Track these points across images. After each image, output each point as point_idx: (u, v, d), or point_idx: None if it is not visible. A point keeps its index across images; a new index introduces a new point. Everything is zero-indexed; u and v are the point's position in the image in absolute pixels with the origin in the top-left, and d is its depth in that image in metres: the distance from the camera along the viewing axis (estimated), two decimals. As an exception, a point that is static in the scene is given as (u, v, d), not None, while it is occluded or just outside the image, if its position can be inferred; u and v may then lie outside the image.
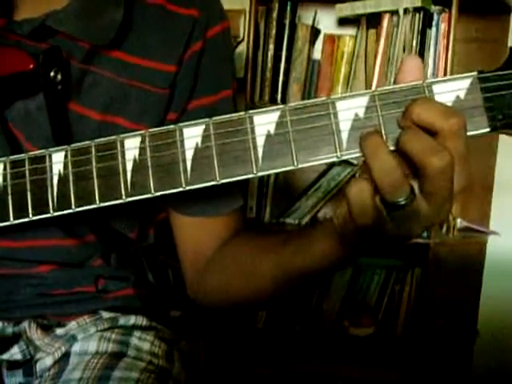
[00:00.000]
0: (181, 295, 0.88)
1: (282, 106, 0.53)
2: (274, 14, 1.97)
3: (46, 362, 0.77)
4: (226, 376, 1.94)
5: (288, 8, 1.97)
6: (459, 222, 2.11)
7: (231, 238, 0.80)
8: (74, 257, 0.78)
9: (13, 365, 0.78)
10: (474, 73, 0.51)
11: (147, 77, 0.74)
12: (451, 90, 0.51)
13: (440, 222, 0.52)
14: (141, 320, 0.81)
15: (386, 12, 1.93)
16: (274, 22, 1.97)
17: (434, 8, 1.92)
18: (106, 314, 0.80)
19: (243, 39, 2.00)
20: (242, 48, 2.00)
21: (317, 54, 2.09)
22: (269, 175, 2.07)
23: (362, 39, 1.99)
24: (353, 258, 0.61)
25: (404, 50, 1.93)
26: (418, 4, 1.88)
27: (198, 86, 0.76)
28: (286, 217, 2.08)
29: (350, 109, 0.52)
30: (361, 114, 0.51)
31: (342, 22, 2.09)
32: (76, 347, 0.77)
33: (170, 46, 0.75)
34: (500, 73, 0.50)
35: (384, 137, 0.51)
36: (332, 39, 2.05)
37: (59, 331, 0.79)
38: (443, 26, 1.92)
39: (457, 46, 1.91)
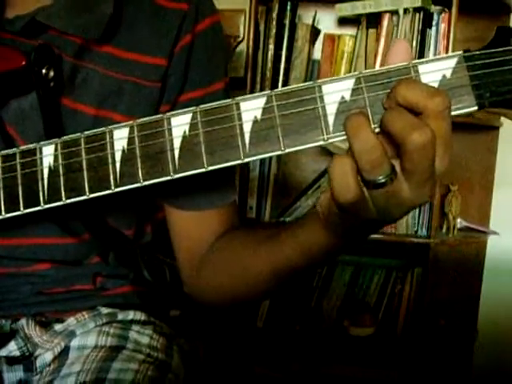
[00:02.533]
0: (179, 293, 0.88)
1: (268, 92, 0.52)
2: (274, 14, 1.98)
3: (45, 357, 0.77)
4: (226, 375, 1.94)
5: (288, 8, 1.98)
6: (459, 222, 2.11)
7: (225, 233, 0.80)
8: (72, 255, 0.79)
9: (13, 361, 0.78)
10: (460, 52, 0.50)
11: (139, 71, 0.74)
12: (437, 69, 0.50)
13: (421, 204, 0.51)
14: (139, 315, 0.81)
15: (386, 12, 1.93)
16: (274, 22, 1.98)
17: (434, 8, 1.92)
18: (104, 310, 0.80)
19: (243, 39, 2.01)
20: (241, 48, 2.00)
21: (317, 54, 2.09)
22: (269, 175, 2.08)
23: (362, 39, 1.99)
24: (340, 248, 0.61)
25: (404, 50, 1.93)
26: (418, 4, 1.88)
27: (189, 78, 0.77)
28: (286, 216, 2.08)
29: (336, 92, 0.51)
30: (347, 96, 0.51)
31: (342, 21, 2.10)
32: (75, 342, 0.77)
33: (160, 39, 0.75)
34: (486, 51, 0.50)
35: (370, 118, 0.50)
36: (332, 39, 2.05)
37: (58, 327, 0.79)
38: (443, 26, 1.92)
39: (457, 46, 1.90)
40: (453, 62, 0.50)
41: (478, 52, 0.50)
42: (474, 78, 0.50)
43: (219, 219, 0.80)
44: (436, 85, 0.50)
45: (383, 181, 0.49)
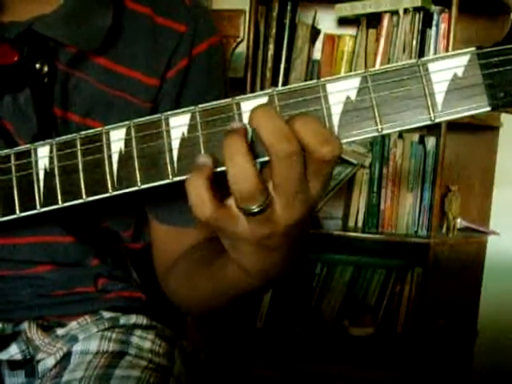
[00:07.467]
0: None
1: (270, 91, 0.50)
2: (274, 14, 1.98)
3: (47, 362, 0.77)
4: (226, 375, 1.94)
5: (288, 8, 1.98)
6: (459, 222, 2.11)
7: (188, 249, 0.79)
8: (71, 256, 0.78)
9: (14, 365, 0.77)
10: (472, 48, 0.47)
11: (130, 87, 0.74)
12: (448, 67, 0.47)
13: (295, 222, 0.49)
14: (141, 319, 0.81)
15: (386, 12, 1.93)
16: (274, 22, 1.98)
17: (434, 8, 1.92)
18: (106, 314, 0.80)
19: (243, 39, 2.00)
20: (241, 48, 2.00)
21: (317, 54, 2.09)
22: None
23: (362, 39, 1.99)
24: (283, 263, 0.56)
25: (404, 50, 1.93)
26: (418, 4, 1.88)
27: (182, 101, 0.76)
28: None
29: (341, 91, 0.49)
30: (353, 96, 0.48)
31: (342, 21, 2.10)
32: (77, 347, 0.76)
33: (154, 59, 0.74)
34: (501, 47, 0.46)
35: (378, 120, 0.48)
36: (332, 39, 2.06)
37: (60, 331, 0.78)
38: (443, 26, 1.92)
39: (457, 46, 1.90)
40: (465, 60, 0.47)
41: (491, 49, 0.46)
42: (487, 77, 0.46)
43: (192, 237, 0.79)
44: (447, 84, 0.47)
45: (256, 210, 0.47)
